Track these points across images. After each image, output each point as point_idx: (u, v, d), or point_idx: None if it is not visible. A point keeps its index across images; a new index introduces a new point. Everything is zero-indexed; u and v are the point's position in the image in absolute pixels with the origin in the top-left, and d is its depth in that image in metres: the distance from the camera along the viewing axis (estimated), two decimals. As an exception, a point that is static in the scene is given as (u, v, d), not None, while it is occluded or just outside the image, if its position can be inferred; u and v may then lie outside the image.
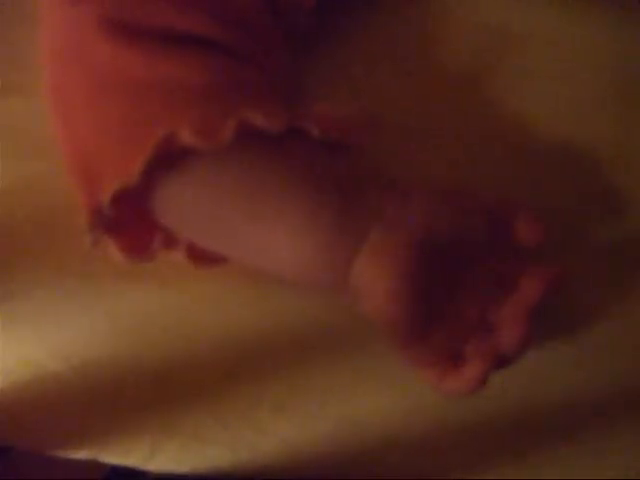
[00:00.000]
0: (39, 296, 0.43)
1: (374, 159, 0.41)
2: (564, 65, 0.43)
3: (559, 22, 0.44)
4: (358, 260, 0.36)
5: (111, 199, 0.36)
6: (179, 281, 0.42)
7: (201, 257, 0.41)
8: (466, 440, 0.44)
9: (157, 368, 0.43)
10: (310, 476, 0.44)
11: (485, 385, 0.37)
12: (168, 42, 0.36)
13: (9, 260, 0.43)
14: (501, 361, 0.37)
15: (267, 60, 0.39)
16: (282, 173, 0.37)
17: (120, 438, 0.43)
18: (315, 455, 0.44)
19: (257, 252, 0.38)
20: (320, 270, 0.37)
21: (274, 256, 0.37)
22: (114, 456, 0.44)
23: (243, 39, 0.38)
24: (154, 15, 0.36)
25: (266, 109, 0.36)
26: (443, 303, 0.37)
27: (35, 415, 0.44)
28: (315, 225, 0.36)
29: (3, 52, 0.44)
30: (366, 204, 0.37)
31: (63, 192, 0.40)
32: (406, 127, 0.42)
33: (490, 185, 0.42)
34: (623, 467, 0.44)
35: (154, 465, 0.44)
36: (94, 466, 0.44)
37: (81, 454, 0.44)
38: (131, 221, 0.38)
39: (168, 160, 0.35)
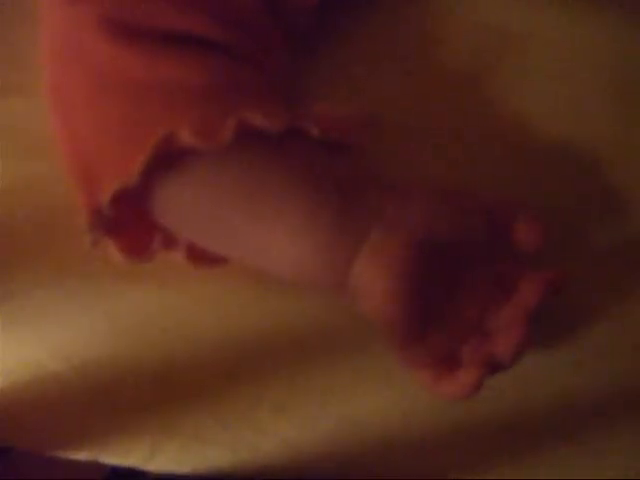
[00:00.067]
0: (39, 296, 0.43)
1: (374, 159, 0.41)
2: (564, 65, 0.43)
3: (559, 22, 0.44)
4: (358, 260, 0.36)
5: (111, 199, 0.36)
6: (179, 282, 0.42)
7: (201, 257, 0.41)
8: (466, 440, 0.44)
9: (157, 368, 0.43)
10: (310, 476, 0.44)
11: (480, 390, 0.37)
12: (168, 42, 0.36)
13: (9, 260, 0.43)
14: (497, 366, 0.37)
15: (267, 60, 0.39)
16: (282, 173, 0.37)
17: (120, 438, 0.43)
18: (315, 455, 0.44)
19: (257, 252, 0.38)
20: (320, 270, 0.37)
21: (274, 256, 0.37)
22: (114, 456, 0.44)
23: (243, 39, 0.38)
24: (154, 15, 0.36)
25: (266, 109, 0.36)
26: (442, 303, 0.37)
27: (35, 415, 0.44)
28: (315, 225, 0.36)
29: (3, 52, 0.44)
30: (366, 204, 0.37)
31: (63, 192, 0.40)
32: (406, 127, 0.42)
33: (490, 185, 0.42)
34: (623, 467, 0.44)
35: (154, 465, 0.44)
36: (94, 466, 0.44)
37: (81, 454, 0.43)
38: (131, 221, 0.38)
39: (168, 160, 0.35)
